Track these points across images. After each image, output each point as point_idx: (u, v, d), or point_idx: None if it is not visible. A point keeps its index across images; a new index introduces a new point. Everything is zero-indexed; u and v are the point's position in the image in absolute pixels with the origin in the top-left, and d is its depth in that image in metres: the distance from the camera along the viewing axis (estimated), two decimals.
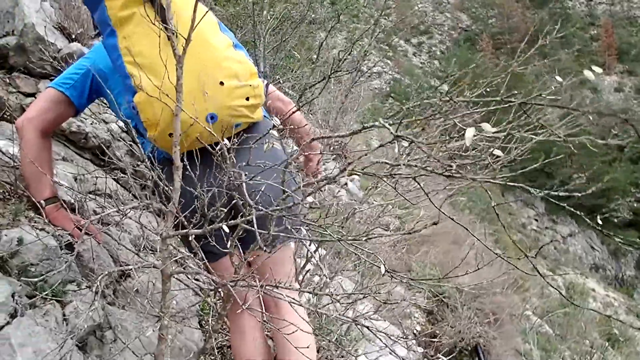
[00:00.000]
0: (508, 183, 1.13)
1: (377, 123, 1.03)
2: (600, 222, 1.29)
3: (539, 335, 8.93)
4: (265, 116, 1.93)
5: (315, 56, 6.61)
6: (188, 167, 1.65)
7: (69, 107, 2.00)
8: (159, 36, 1.54)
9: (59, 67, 2.59)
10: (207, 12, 1.63)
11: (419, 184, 1.11)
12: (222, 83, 1.69)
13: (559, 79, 1.24)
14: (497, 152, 0.98)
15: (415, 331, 4.81)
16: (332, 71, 1.29)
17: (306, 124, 2.04)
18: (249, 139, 1.71)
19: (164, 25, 1.54)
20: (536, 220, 31.52)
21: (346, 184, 1.83)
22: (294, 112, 1.69)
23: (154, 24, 1.55)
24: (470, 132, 0.88)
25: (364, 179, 9.32)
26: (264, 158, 1.69)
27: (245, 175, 1.41)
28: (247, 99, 1.76)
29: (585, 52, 44.60)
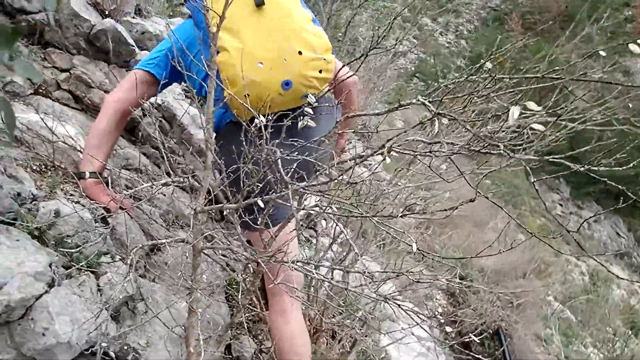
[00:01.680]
0: (547, 158, 1.12)
1: (415, 100, 1.03)
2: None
3: (561, 321, 8.87)
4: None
5: (341, 34, 6.54)
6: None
7: (153, 86, 2.10)
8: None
9: (94, 44, 2.63)
10: None
11: (454, 162, 1.10)
12: (300, 52, 1.81)
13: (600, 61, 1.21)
14: (537, 126, 0.96)
15: (437, 312, 4.82)
16: (372, 47, 1.29)
17: (355, 103, 2.10)
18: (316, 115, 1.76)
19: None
20: (561, 205, 31.01)
21: (377, 166, 1.84)
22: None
23: None
24: (515, 111, 0.87)
25: (392, 160, 9.26)
26: (305, 135, 1.74)
27: (281, 152, 1.44)
28: (320, 71, 1.88)
29: (619, 34, 43.30)
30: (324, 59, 1.86)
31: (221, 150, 1.89)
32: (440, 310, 4.93)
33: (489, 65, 1.05)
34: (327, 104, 2.04)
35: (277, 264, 1.68)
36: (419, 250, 1.38)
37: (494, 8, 51.59)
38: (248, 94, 1.76)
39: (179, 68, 1.77)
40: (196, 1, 1.82)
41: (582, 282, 14.73)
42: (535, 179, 1.02)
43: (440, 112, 0.97)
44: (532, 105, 0.91)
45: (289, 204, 1.30)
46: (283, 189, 1.41)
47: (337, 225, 1.74)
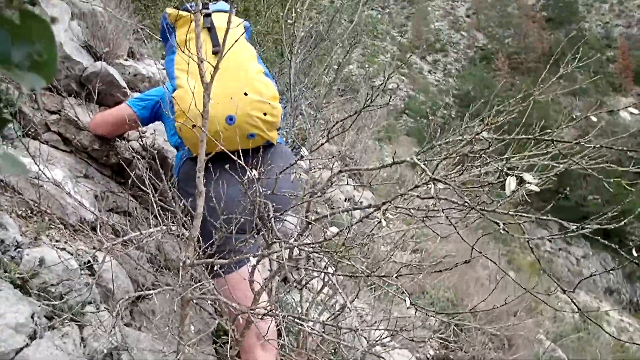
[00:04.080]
0: (541, 218, 1.10)
1: (408, 159, 1.02)
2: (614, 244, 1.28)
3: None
4: (280, 142, 2.27)
5: (333, 75, 6.61)
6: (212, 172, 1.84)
7: (136, 124, 2.46)
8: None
9: (85, 86, 2.62)
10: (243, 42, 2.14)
11: (452, 224, 1.09)
12: (246, 94, 2.02)
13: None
14: (533, 187, 0.96)
15: (428, 355, 4.74)
16: (364, 106, 1.29)
17: None
18: (271, 159, 2.06)
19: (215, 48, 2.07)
20: (549, 241, 31.10)
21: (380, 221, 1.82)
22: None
23: (189, 51, 1.84)
24: (512, 182, 0.86)
25: (377, 196, 9.27)
26: (285, 183, 1.79)
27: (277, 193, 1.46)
28: (265, 114, 2.06)
29: (601, 74, 44.23)
30: (269, 104, 2.06)
31: (181, 193, 2.09)
32: (432, 352, 4.85)
33: (485, 134, 1.05)
34: (283, 153, 2.26)
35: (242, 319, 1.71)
36: (412, 304, 1.35)
37: (481, 47, 52.82)
38: (195, 125, 1.93)
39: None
40: (169, 57, 2.16)
41: (573, 320, 14.64)
42: (528, 238, 1.00)
43: (436, 177, 0.97)
44: (528, 177, 0.90)
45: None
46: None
47: (324, 272, 1.71)
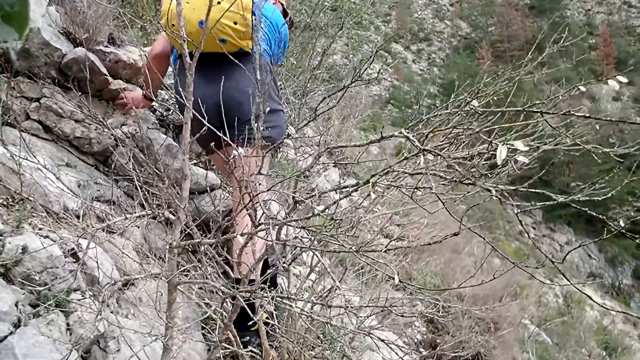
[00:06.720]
0: (527, 189, 1.11)
1: (397, 133, 1.01)
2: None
3: (537, 344, 8.90)
4: (263, 55, 2.45)
5: (317, 63, 6.56)
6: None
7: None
8: None
9: (65, 73, 2.57)
10: None
11: (441, 200, 1.09)
12: (219, 2, 2.26)
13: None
14: (522, 158, 0.96)
15: (416, 340, 4.78)
16: (351, 81, 1.28)
17: None
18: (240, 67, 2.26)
19: None
20: (534, 228, 31.49)
21: (362, 201, 1.81)
22: None
23: None
24: (503, 151, 0.86)
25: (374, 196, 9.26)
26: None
27: None
28: (235, 23, 2.35)
29: (583, 61, 44.64)
30: (240, 14, 2.31)
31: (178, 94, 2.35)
32: (419, 337, 4.89)
33: (475, 103, 1.05)
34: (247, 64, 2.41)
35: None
36: (401, 282, 1.35)
37: (465, 36, 53.02)
38: (173, 24, 2.25)
39: None
40: None
41: (557, 305, 14.85)
42: (518, 210, 1.00)
43: (426, 148, 0.96)
44: (519, 144, 0.90)
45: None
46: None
47: (314, 254, 1.70)
